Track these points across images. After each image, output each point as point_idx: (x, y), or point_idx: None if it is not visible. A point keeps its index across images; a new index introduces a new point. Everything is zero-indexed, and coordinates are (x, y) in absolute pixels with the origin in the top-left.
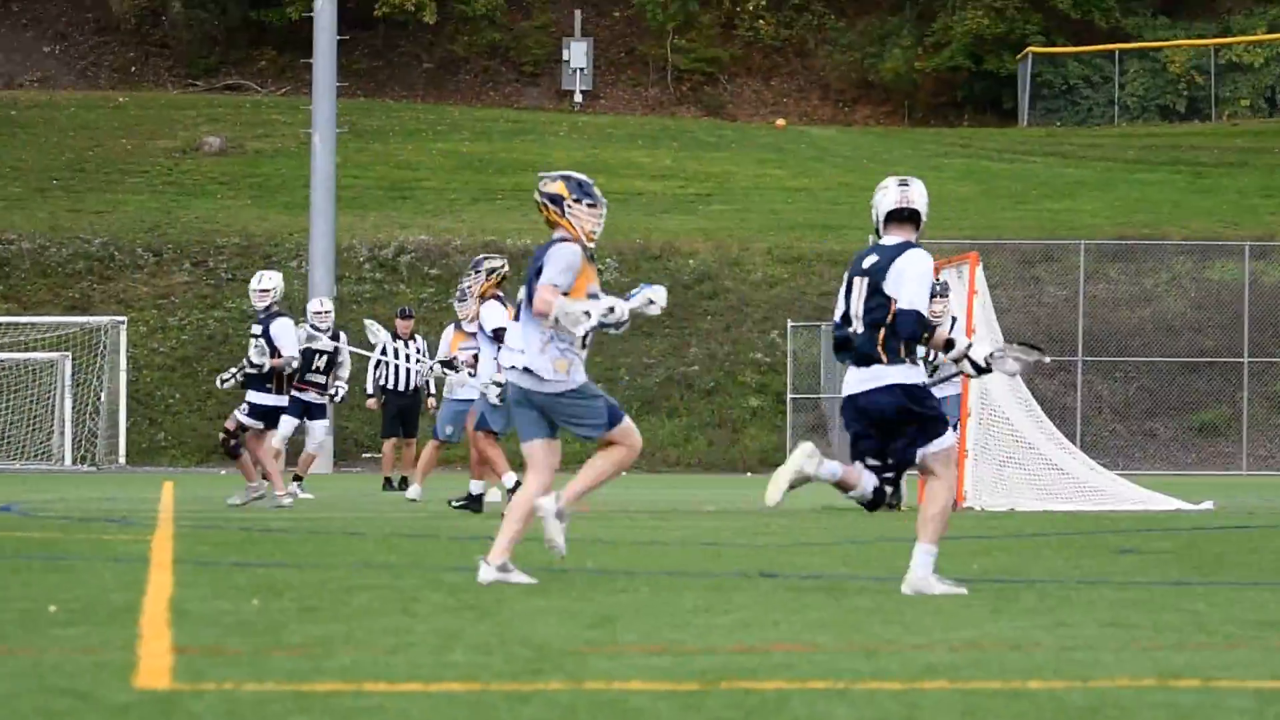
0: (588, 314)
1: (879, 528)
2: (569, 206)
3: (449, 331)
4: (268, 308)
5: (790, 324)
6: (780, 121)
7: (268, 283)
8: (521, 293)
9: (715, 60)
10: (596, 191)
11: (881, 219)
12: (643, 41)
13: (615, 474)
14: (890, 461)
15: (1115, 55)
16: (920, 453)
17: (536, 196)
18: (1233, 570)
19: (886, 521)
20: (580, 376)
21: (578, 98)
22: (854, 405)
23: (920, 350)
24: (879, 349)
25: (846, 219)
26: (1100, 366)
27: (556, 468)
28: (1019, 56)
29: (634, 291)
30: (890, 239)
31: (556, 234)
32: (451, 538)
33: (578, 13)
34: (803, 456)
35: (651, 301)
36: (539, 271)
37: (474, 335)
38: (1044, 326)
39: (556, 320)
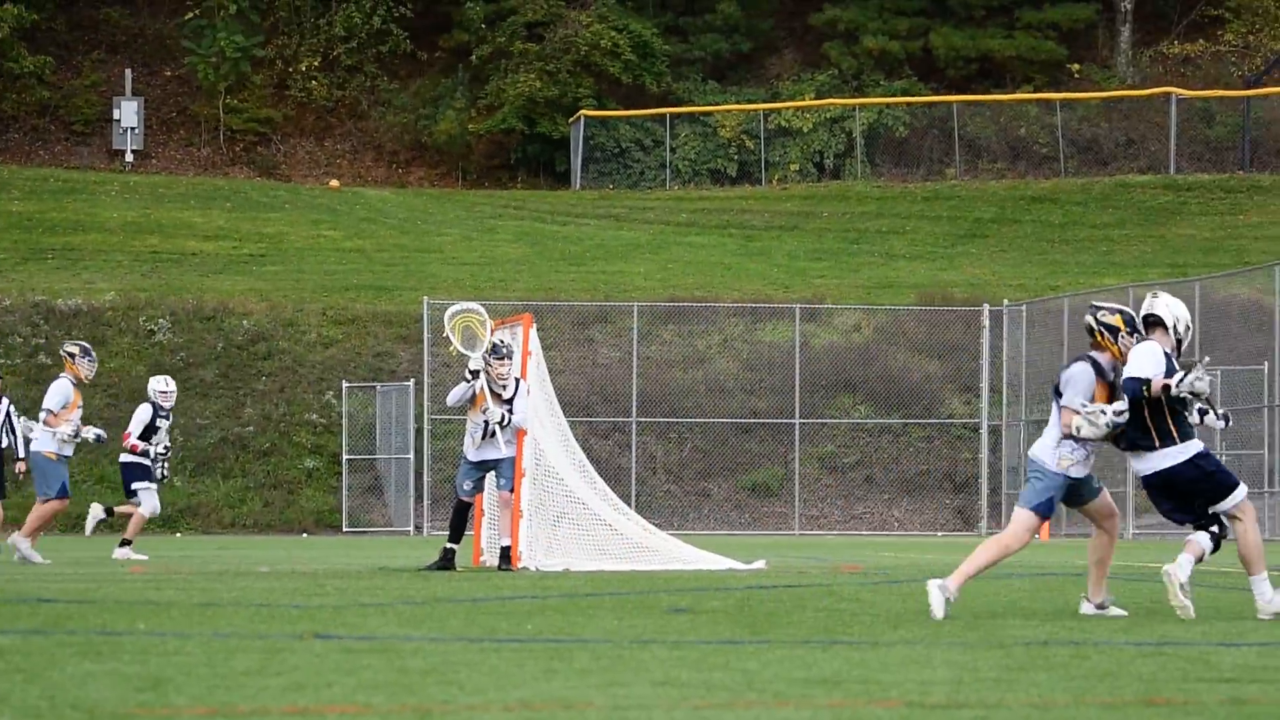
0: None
1: (433, 589)
2: (1122, 337)
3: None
4: None
5: (345, 385)
6: (334, 182)
7: None
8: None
9: (268, 120)
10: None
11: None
12: (194, 101)
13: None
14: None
15: (667, 119)
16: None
17: (1092, 322)
18: (783, 629)
19: (441, 582)
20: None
21: (129, 157)
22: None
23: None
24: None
25: (401, 280)
26: (654, 427)
27: None
28: (571, 120)
29: None
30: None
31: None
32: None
33: (128, 71)
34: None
35: None
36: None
37: None
38: (598, 387)
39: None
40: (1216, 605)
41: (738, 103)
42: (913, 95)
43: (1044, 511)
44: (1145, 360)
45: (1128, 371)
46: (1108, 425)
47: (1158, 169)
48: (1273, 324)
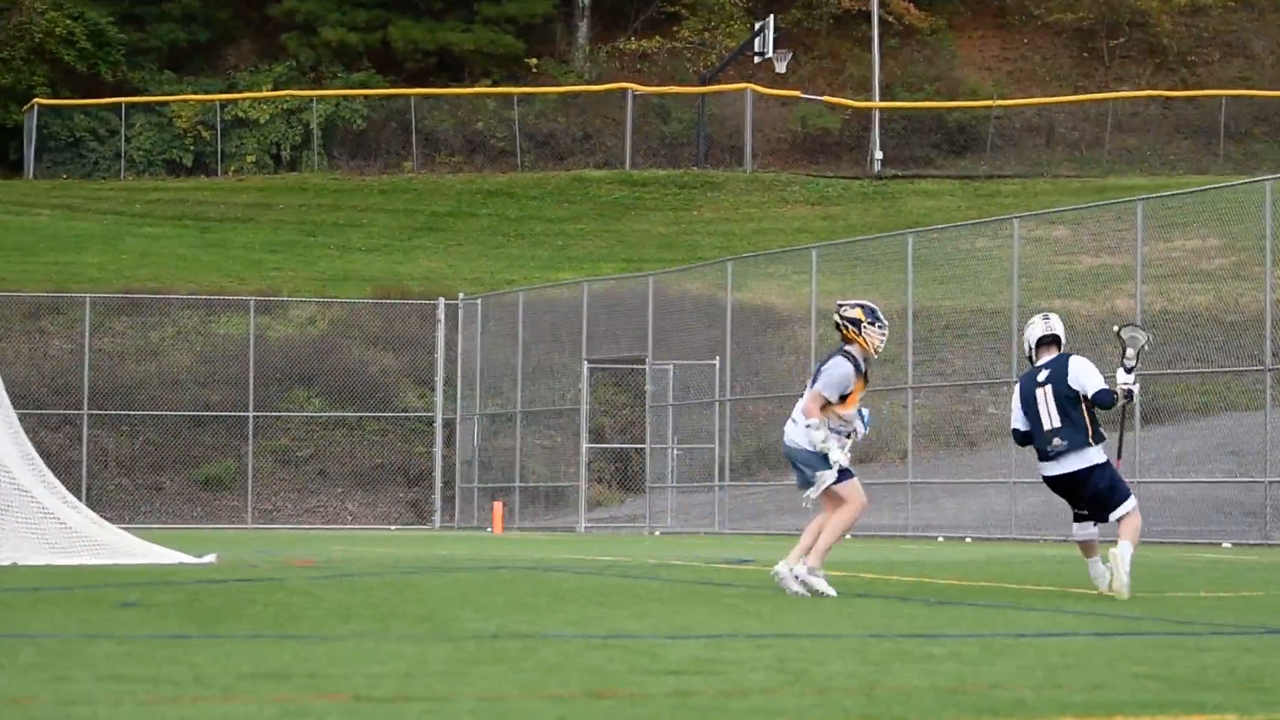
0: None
1: None
2: (864, 328)
3: None
4: None
5: None
6: None
7: None
8: None
9: None
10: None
11: (1034, 346)
12: None
13: None
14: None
15: (122, 109)
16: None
17: (838, 319)
18: (232, 623)
19: None
20: None
21: None
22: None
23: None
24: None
25: None
26: (106, 420)
27: None
28: (25, 108)
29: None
30: (1047, 357)
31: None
32: None
33: None
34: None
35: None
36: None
37: None
38: (49, 379)
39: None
40: (669, 595)
41: (194, 93)
42: (371, 88)
43: (847, 476)
44: (1095, 373)
45: (1092, 385)
46: (830, 452)
47: (614, 164)
48: (725, 319)
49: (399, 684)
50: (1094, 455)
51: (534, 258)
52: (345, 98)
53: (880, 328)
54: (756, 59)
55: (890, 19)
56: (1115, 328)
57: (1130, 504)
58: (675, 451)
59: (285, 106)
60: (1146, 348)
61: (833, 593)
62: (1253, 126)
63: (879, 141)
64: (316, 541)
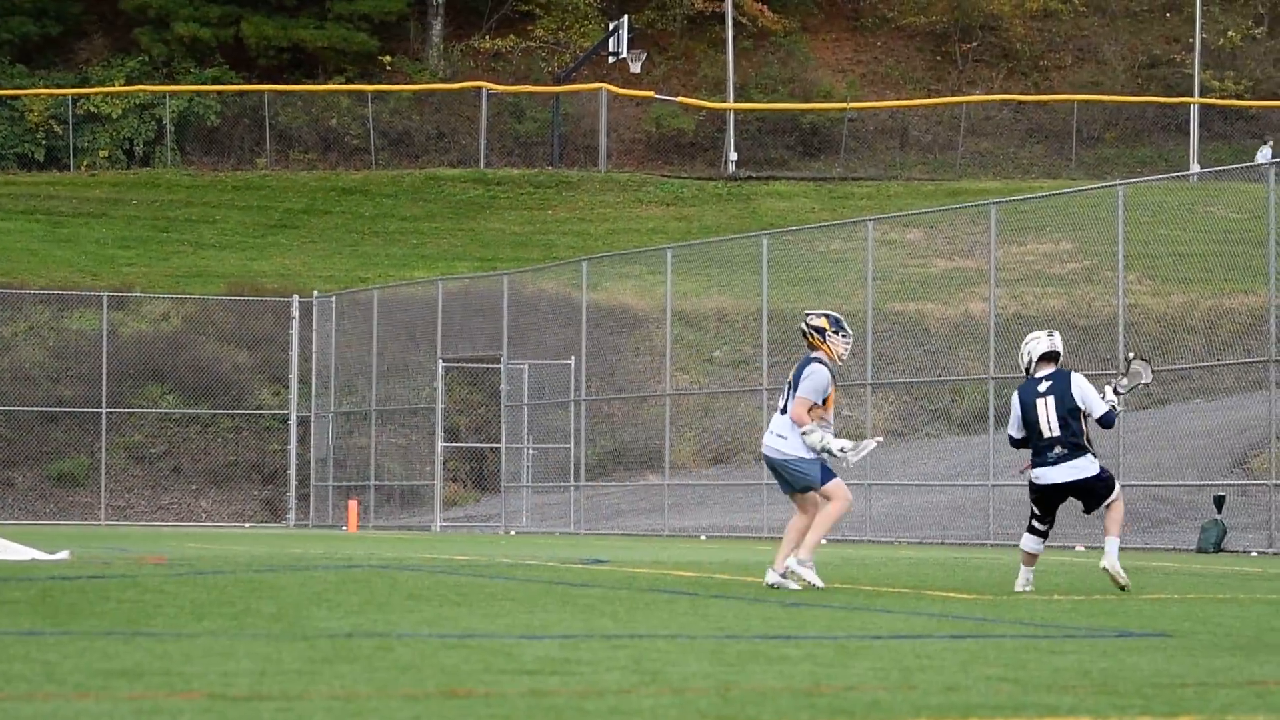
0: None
1: None
2: (829, 336)
3: None
4: None
5: None
6: None
7: None
8: None
9: None
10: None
11: (1035, 359)
12: None
13: None
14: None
15: None
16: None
17: (804, 327)
18: (85, 620)
19: None
20: None
21: None
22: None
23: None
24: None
25: None
26: None
27: None
28: None
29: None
30: (1047, 370)
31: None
32: None
33: None
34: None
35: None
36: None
37: None
38: None
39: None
40: (524, 595)
41: (46, 87)
42: (224, 84)
43: (830, 477)
44: (1094, 391)
45: (1098, 406)
46: (827, 450)
47: (469, 163)
48: (580, 319)
49: (253, 682)
50: (1091, 466)
51: (389, 256)
52: (198, 93)
53: (844, 336)
54: (611, 59)
55: (744, 21)
56: (1130, 354)
57: (1117, 489)
58: (530, 451)
59: (138, 102)
60: (1143, 387)
61: (821, 584)
62: (1104, 131)
63: (733, 143)
64: (170, 539)
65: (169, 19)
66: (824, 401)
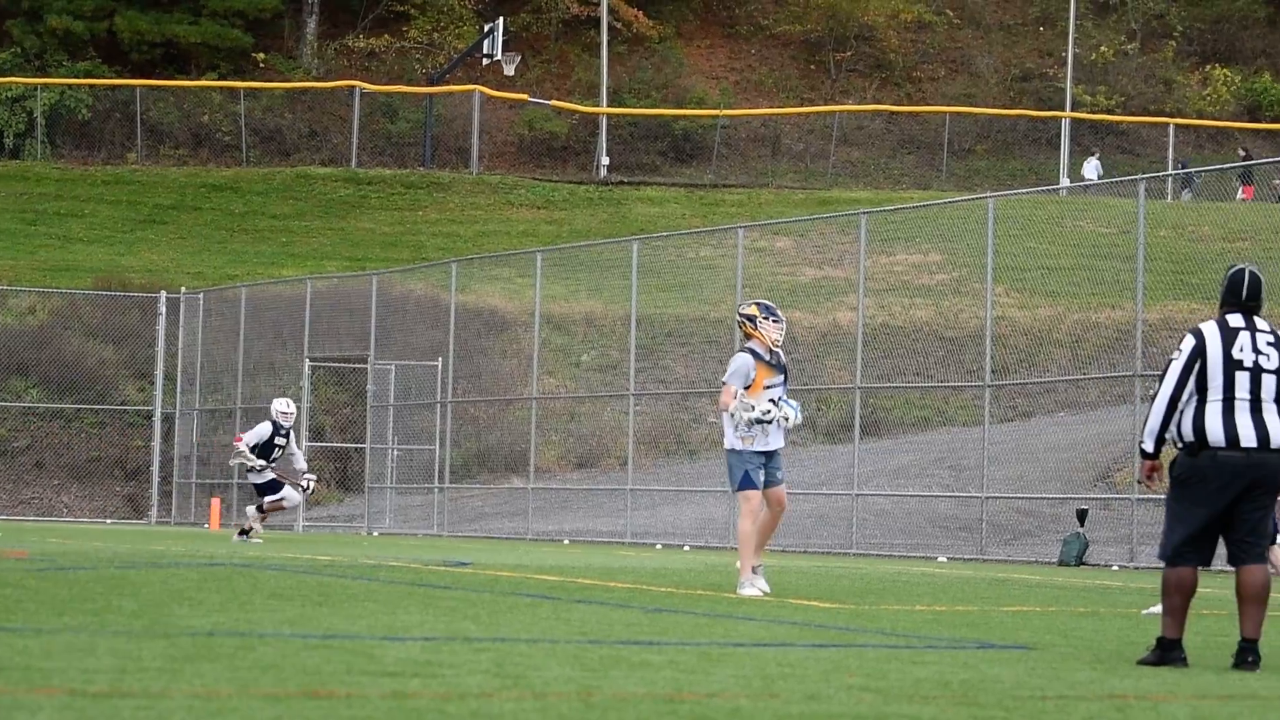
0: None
1: None
2: (760, 322)
3: None
4: None
5: None
6: None
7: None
8: None
9: None
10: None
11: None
12: None
13: None
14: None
15: None
16: None
17: (738, 317)
18: None
19: None
20: None
21: None
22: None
23: None
24: None
25: None
26: None
27: None
28: None
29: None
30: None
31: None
32: None
33: None
34: None
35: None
36: None
37: None
38: None
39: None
40: (387, 596)
41: None
42: (96, 77)
43: (746, 486)
44: None
45: None
46: (750, 416)
47: (340, 162)
48: (449, 320)
49: (113, 679)
50: None
51: (258, 254)
52: (70, 87)
53: (775, 321)
54: (485, 61)
55: (619, 26)
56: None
57: None
58: (395, 452)
59: (9, 94)
60: None
61: (755, 592)
62: (975, 144)
63: (605, 147)
64: (31, 533)
65: (42, 11)
66: (748, 388)
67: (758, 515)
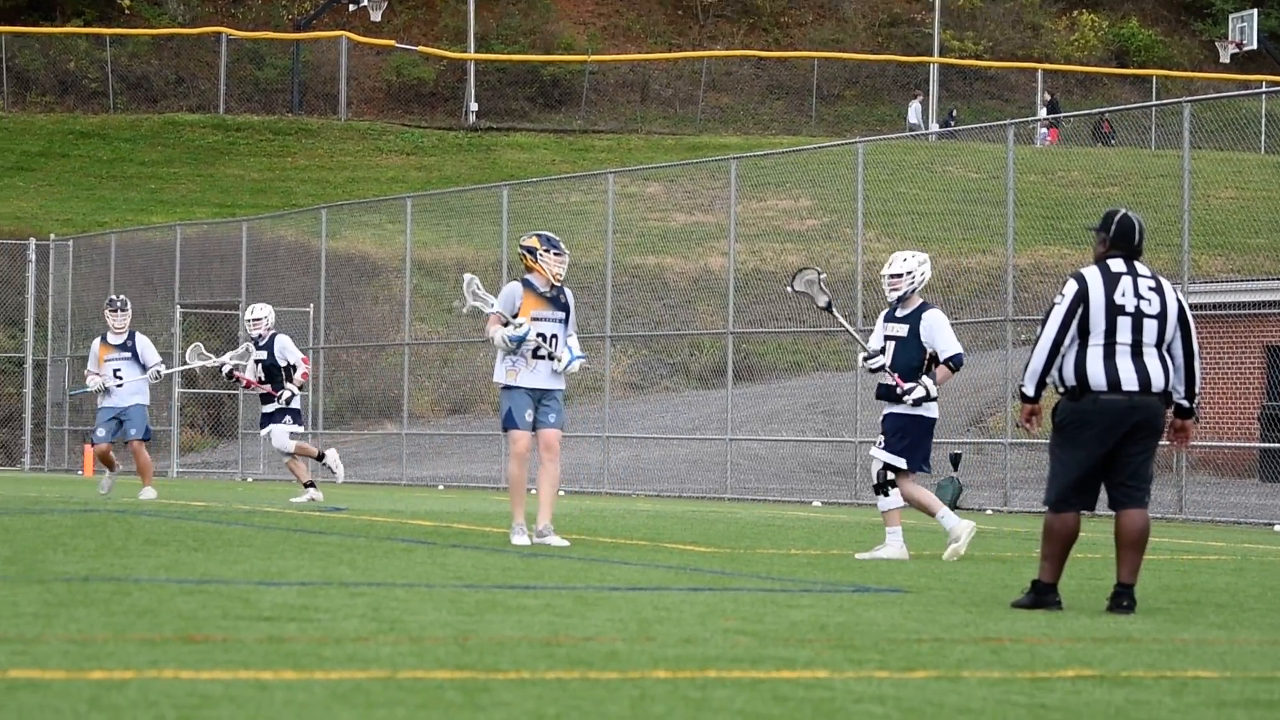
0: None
1: None
2: (540, 255)
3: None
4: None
5: None
6: None
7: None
8: None
9: None
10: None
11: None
12: None
13: None
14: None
15: None
16: None
17: (518, 248)
18: None
19: None
20: None
21: None
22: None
23: None
24: None
25: None
26: None
27: None
28: None
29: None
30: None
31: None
32: None
33: None
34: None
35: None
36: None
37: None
38: None
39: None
40: (262, 542)
41: None
42: None
43: (509, 426)
44: None
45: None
46: (507, 333)
47: (208, 108)
48: (320, 266)
49: None
50: None
51: (126, 200)
52: None
53: (557, 254)
54: (352, 7)
55: None
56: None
57: None
58: None
59: None
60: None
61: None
62: (844, 89)
63: (474, 93)
64: None
65: None
66: (515, 315)
67: (525, 458)
